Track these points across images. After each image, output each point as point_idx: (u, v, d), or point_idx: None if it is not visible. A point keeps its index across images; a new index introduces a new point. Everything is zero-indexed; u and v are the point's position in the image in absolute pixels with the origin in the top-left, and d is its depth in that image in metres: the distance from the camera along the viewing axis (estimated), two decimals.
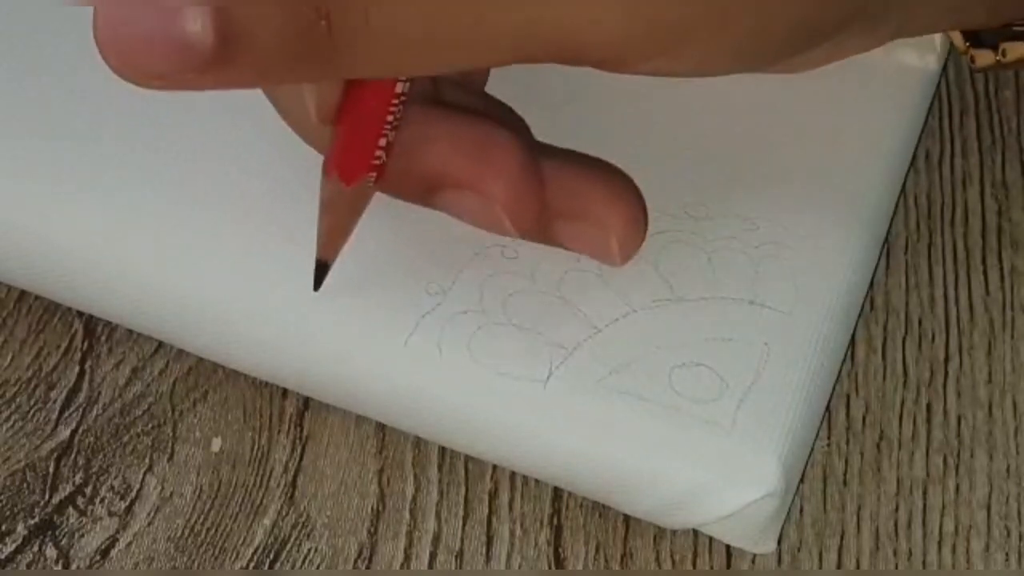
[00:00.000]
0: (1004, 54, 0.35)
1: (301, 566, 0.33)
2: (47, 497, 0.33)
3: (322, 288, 0.33)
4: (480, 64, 0.29)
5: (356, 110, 0.30)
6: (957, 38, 0.36)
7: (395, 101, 0.29)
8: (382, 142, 0.30)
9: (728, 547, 0.33)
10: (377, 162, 0.30)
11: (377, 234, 0.34)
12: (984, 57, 0.36)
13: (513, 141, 0.31)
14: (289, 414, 0.35)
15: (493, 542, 0.33)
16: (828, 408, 0.35)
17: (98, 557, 0.33)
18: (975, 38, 0.36)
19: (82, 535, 0.33)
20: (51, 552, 0.33)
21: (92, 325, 0.36)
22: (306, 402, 0.35)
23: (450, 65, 0.28)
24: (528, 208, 0.31)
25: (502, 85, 0.34)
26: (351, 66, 0.27)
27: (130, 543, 0.33)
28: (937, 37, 0.39)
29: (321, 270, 0.32)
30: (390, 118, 0.30)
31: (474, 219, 0.32)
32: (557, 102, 0.37)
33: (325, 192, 0.31)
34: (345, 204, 0.31)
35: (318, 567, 0.33)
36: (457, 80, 0.33)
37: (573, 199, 0.32)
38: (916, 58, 0.39)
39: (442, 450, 0.34)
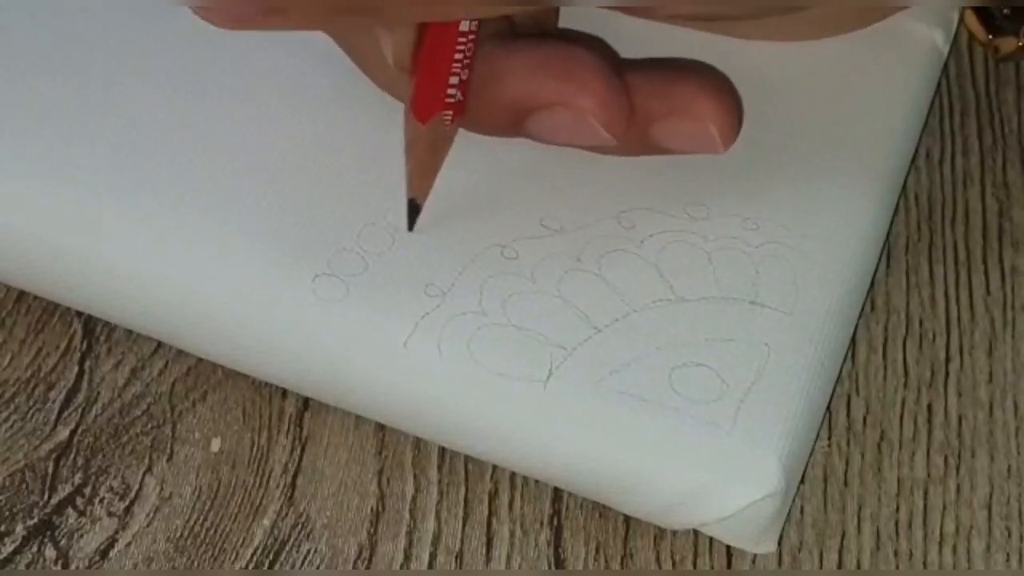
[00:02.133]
0: None
1: (301, 566, 0.33)
2: (46, 497, 0.33)
3: (323, 296, 0.33)
4: (517, 4, 0.31)
5: (426, 53, 0.31)
6: (978, 30, 0.37)
7: (461, 40, 0.31)
8: (453, 80, 0.32)
9: (728, 547, 0.33)
10: (451, 100, 0.32)
11: (376, 235, 0.34)
12: (1007, 44, 0.36)
13: (592, 55, 0.32)
14: (289, 414, 0.35)
15: (493, 543, 0.33)
16: (829, 408, 0.35)
17: (97, 557, 0.33)
18: (996, 28, 0.36)
19: (81, 535, 0.33)
20: (50, 552, 0.33)
21: (91, 325, 0.36)
22: (306, 402, 0.35)
23: (489, 5, 0.30)
24: (618, 114, 0.32)
25: None
26: (389, 13, 0.30)
27: (129, 543, 0.33)
28: (939, 39, 0.39)
29: (413, 210, 0.34)
30: (459, 56, 0.31)
31: (569, 135, 0.33)
32: None
33: (408, 134, 0.33)
34: (426, 144, 0.33)
35: (318, 567, 0.33)
36: (533, 20, 0.35)
37: (664, 99, 0.33)
38: (918, 59, 0.39)
39: (442, 450, 0.34)
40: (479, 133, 0.34)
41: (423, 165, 0.33)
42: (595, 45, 0.34)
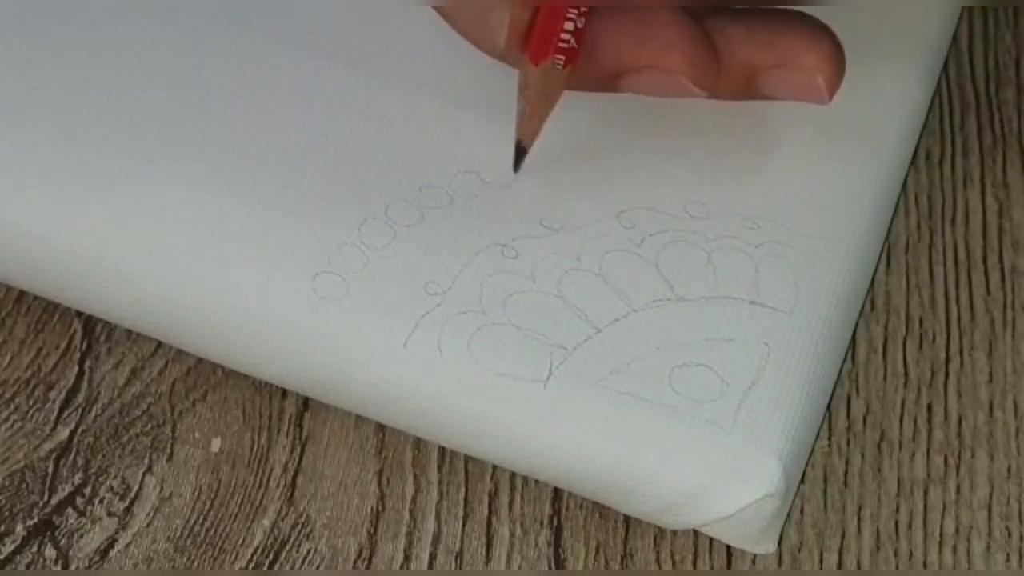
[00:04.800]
0: None
1: (301, 566, 0.33)
2: (46, 497, 0.33)
3: (323, 295, 0.33)
4: None
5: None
6: None
7: None
8: (568, 26, 0.33)
9: (728, 547, 0.33)
10: (564, 45, 0.33)
11: (377, 229, 0.34)
12: None
13: (675, 14, 0.33)
14: (289, 414, 0.35)
15: (493, 543, 0.33)
16: (829, 408, 0.35)
17: (97, 557, 0.33)
18: None
19: (81, 535, 0.33)
20: (50, 552, 0.33)
21: (91, 325, 0.36)
22: (306, 402, 0.35)
23: None
24: (707, 68, 0.34)
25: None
26: None
27: (129, 543, 0.33)
28: (936, 47, 0.39)
29: (519, 153, 0.35)
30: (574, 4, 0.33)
31: (661, 92, 0.34)
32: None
33: (521, 78, 0.34)
34: (537, 88, 0.34)
35: (318, 567, 0.33)
36: None
37: (771, 50, 0.34)
38: (916, 61, 0.39)
39: (442, 450, 0.34)
40: (579, 90, 0.35)
41: (532, 109, 0.34)
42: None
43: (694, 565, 0.33)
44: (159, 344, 0.36)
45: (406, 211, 0.34)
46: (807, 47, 0.34)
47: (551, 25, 0.33)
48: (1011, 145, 0.41)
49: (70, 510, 0.33)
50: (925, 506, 0.34)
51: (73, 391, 0.35)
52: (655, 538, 0.33)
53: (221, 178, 0.35)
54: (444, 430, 0.33)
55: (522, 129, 0.35)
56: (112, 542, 0.33)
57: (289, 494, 0.34)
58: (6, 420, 0.35)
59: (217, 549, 0.33)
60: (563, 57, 0.33)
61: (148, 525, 0.33)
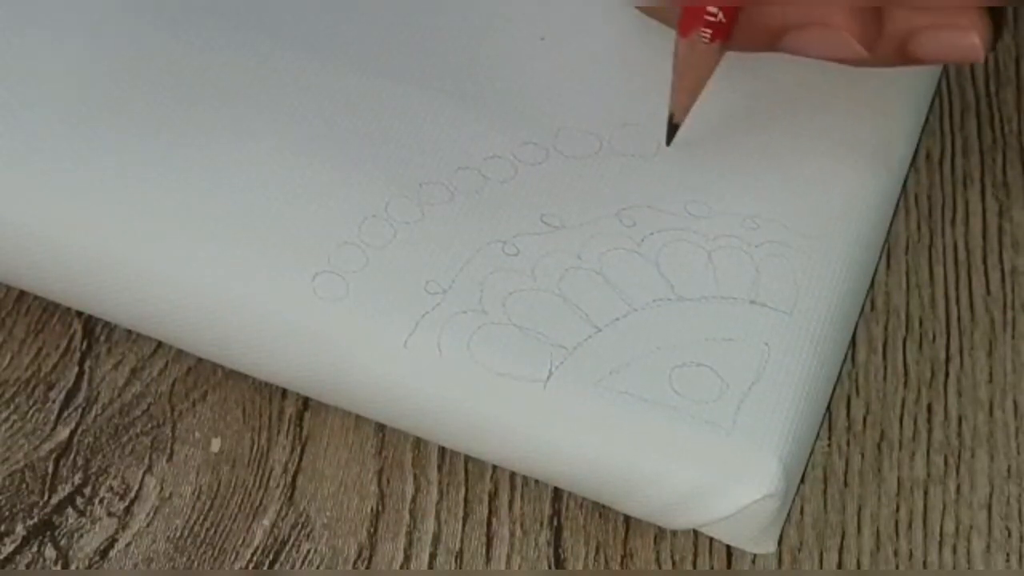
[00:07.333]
0: None
1: (301, 566, 0.33)
2: (46, 497, 0.33)
3: (323, 295, 0.33)
4: None
5: None
6: None
7: None
8: None
9: (728, 547, 0.33)
10: (711, 19, 0.34)
11: (377, 227, 0.34)
12: None
13: None
14: (289, 414, 0.35)
15: (493, 543, 0.33)
16: (829, 408, 0.35)
17: (97, 557, 0.33)
18: None
19: (81, 535, 0.33)
20: (50, 552, 0.33)
21: (91, 325, 0.36)
22: (306, 402, 0.35)
23: None
24: (870, 26, 0.34)
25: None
26: None
27: (129, 543, 0.33)
28: None
29: (671, 128, 0.36)
30: None
31: (824, 51, 0.35)
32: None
33: (676, 53, 0.35)
34: (686, 62, 0.35)
35: (318, 567, 0.33)
36: None
37: (924, 13, 0.35)
38: (916, 67, 0.39)
39: (442, 450, 0.34)
40: (740, 50, 0.36)
41: (683, 83, 0.35)
42: None
43: (694, 565, 0.33)
44: (159, 344, 0.36)
45: (406, 208, 0.34)
46: (959, 8, 0.34)
47: (698, 4, 0.34)
48: (1011, 145, 0.41)
49: (70, 510, 0.33)
50: (925, 506, 0.34)
51: (73, 391, 0.35)
52: (655, 538, 0.33)
53: (221, 178, 0.35)
54: (444, 430, 0.33)
55: (674, 104, 0.35)
56: (112, 542, 0.33)
57: (289, 494, 0.34)
58: (6, 420, 0.35)
59: (217, 549, 0.33)
60: (709, 31, 0.34)
61: (148, 525, 0.33)
